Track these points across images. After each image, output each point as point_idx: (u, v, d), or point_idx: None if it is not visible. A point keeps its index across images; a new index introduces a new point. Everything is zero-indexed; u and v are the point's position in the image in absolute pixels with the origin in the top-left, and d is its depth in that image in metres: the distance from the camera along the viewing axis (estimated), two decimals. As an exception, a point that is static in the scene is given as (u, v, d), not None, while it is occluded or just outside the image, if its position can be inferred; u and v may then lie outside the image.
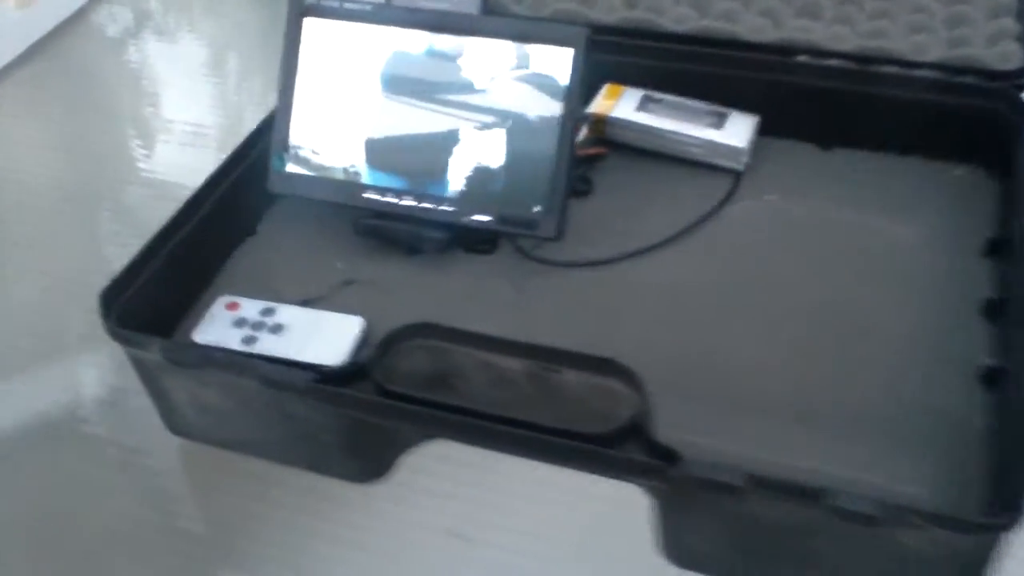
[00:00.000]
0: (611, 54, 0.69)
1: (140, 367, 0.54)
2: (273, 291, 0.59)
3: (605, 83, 0.69)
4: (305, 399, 0.49)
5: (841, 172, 0.67)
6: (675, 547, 0.48)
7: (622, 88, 0.69)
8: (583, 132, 0.67)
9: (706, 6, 0.71)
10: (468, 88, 0.59)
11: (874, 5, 0.70)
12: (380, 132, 0.61)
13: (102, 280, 0.53)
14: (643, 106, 0.68)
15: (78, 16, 1.01)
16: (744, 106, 0.68)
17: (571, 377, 0.50)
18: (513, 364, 0.50)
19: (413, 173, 0.60)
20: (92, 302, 0.53)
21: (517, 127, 0.59)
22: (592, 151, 0.67)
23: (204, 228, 0.60)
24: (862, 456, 0.48)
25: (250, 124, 0.64)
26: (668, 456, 0.45)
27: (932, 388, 0.51)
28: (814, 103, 0.66)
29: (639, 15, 0.70)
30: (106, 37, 1.00)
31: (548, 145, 0.58)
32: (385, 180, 0.61)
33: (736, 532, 0.46)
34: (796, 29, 0.68)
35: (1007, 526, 0.40)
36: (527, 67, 0.58)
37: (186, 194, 0.59)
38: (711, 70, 0.68)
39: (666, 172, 0.67)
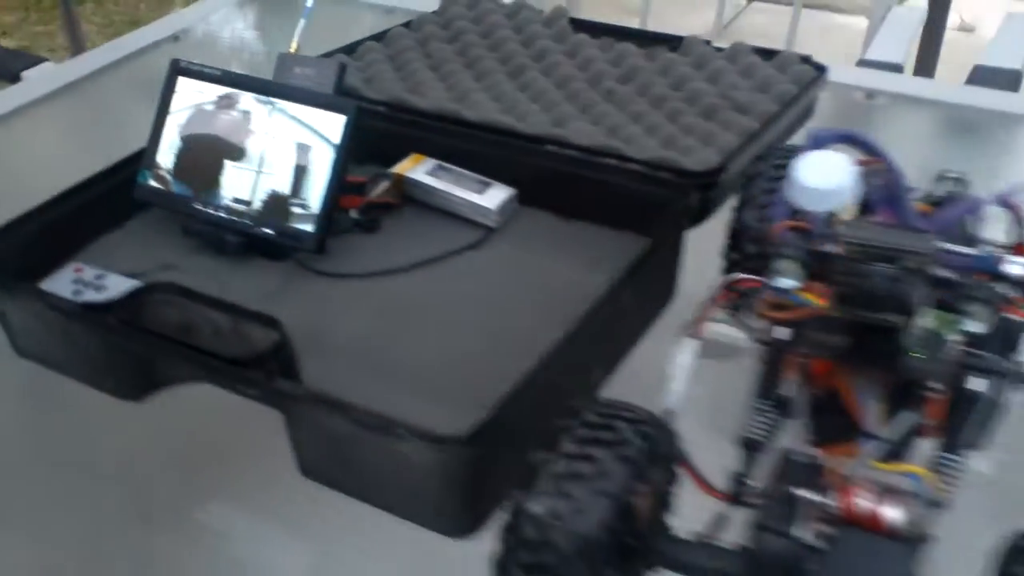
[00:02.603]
0: (423, 131, 0.90)
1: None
2: (114, 268, 0.81)
3: (413, 152, 0.90)
4: (72, 318, 0.70)
5: (566, 236, 0.85)
6: (304, 462, 0.66)
7: (423, 157, 0.89)
8: (384, 186, 0.87)
9: (500, 102, 0.92)
10: (275, 135, 0.81)
11: (615, 118, 0.90)
12: (207, 161, 0.83)
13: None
14: (433, 172, 0.88)
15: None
16: (508, 180, 0.87)
17: (243, 327, 0.68)
18: (220, 319, 0.70)
19: (228, 194, 0.82)
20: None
21: (303, 168, 0.80)
22: (385, 200, 0.87)
23: (82, 210, 0.82)
24: (415, 404, 0.65)
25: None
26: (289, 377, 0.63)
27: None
28: (558, 182, 0.85)
29: (448, 105, 0.91)
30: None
31: (323, 183, 0.79)
32: (207, 198, 0.82)
33: (338, 449, 0.64)
34: (552, 124, 0.88)
35: (463, 442, 0.57)
36: (315, 125, 0.80)
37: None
38: (488, 151, 0.88)
39: (441, 222, 0.87)
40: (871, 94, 1.16)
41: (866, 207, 0.63)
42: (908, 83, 1.20)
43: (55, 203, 0.81)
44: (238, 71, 0.85)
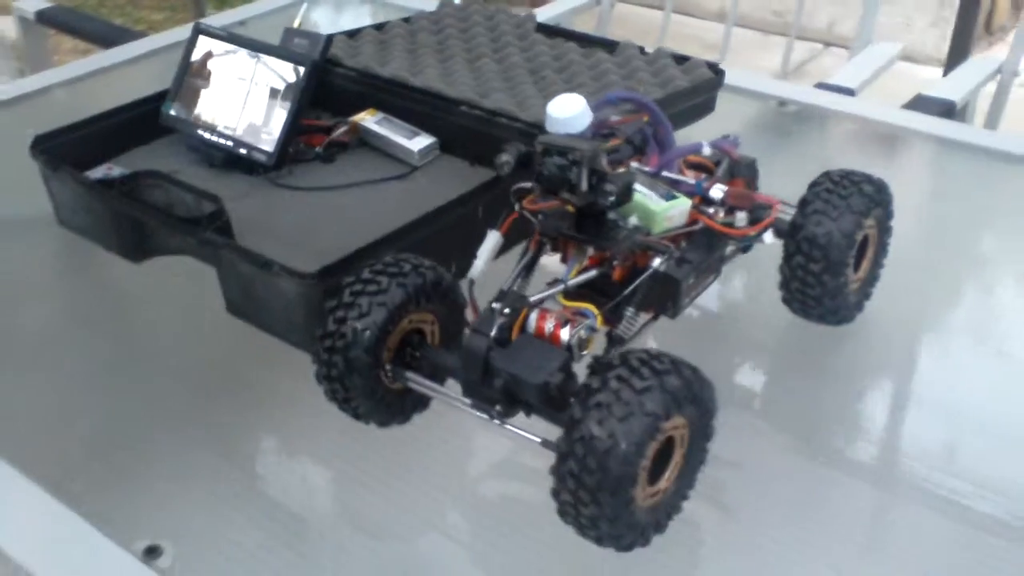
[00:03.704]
0: (380, 92, 1.17)
1: (47, 180, 1.07)
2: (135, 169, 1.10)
3: (367, 106, 1.17)
4: (89, 190, 0.99)
5: (468, 175, 1.10)
6: (228, 301, 0.93)
7: (376, 111, 1.16)
8: (343, 130, 1.15)
9: (447, 76, 1.18)
10: (256, 79, 1.09)
11: (530, 93, 1.15)
12: (209, 98, 1.12)
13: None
14: (379, 122, 1.15)
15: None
16: (435, 132, 1.13)
17: (198, 202, 0.96)
18: (185, 196, 0.97)
19: (220, 122, 1.11)
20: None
21: (272, 104, 1.08)
22: (342, 140, 1.14)
23: (120, 127, 1.12)
24: (306, 260, 0.90)
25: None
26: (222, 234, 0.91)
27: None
28: (469, 135, 1.11)
29: (401, 74, 1.19)
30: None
31: (284, 116, 1.07)
32: (204, 125, 1.11)
33: (245, 289, 0.91)
34: (477, 94, 1.14)
35: (314, 275, 0.83)
36: (283, 74, 1.08)
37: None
38: (422, 108, 1.14)
39: (380, 159, 1.13)
40: (783, 103, 1.38)
41: (642, 149, 0.87)
42: (820, 97, 1.42)
43: (101, 117, 1.11)
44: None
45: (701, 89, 1.22)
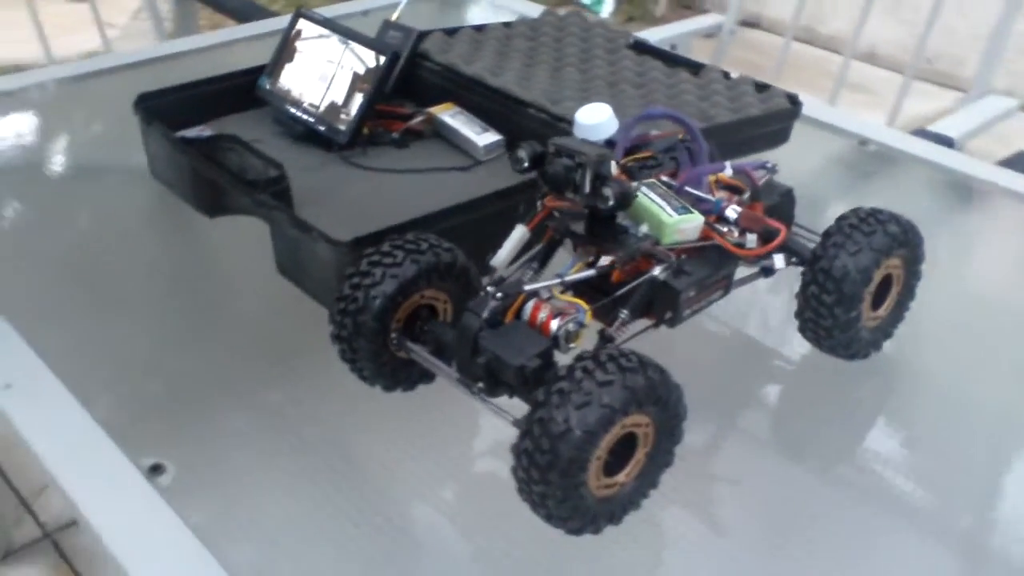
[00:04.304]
0: (459, 88, 1.24)
1: (144, 135, 1.17)
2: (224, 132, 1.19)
3: (447, 101, 1.23)
4: (174, 146, 1.09)
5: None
6: (278, 262, 1.01)
7: (453, 105, 1.23)
8: (419, 119, 1.21)
9: (524, 79, 1.23)
10: (343, 63, 1.17)
11: (594, 99, 1.18)
12: (299, 76, 1.20)
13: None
14: (453, 115, 1.21)
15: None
16: (503, 130, 1.18)
17: (266, 167, 1.04)
18: (258, 164, 1.06)
19: (306, 100, 1.19)
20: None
21: (353, 88, 1.15)
22: (418, 128, 1.21)
23: (218, 94, 1.22)
24: (347, 230, 0.97)
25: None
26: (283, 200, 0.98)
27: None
28: (534, 136, 1.15)
29: (481, 73, 1.24)
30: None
31: (362, 100, 1.14)
32: (292, 100, 1.20)
33: (291, 251, 0.98)
34: (548, 99, 1.19)
35: (347, 244, 0.90)
36: (367, 61, 1.15)
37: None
38: (494, 107, 1.20)
39: (449, 150, 1.19)
40: (864, 142, 1.38)
41: (680, 164, 0.91)
42: (905, 142, 1.40)
43: (200, 83, 1.21)
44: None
45: (775, 118, 1.24)
